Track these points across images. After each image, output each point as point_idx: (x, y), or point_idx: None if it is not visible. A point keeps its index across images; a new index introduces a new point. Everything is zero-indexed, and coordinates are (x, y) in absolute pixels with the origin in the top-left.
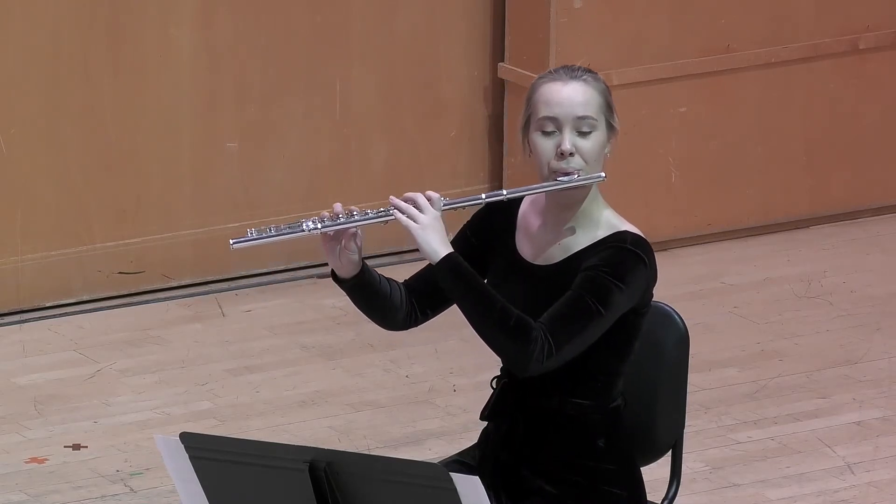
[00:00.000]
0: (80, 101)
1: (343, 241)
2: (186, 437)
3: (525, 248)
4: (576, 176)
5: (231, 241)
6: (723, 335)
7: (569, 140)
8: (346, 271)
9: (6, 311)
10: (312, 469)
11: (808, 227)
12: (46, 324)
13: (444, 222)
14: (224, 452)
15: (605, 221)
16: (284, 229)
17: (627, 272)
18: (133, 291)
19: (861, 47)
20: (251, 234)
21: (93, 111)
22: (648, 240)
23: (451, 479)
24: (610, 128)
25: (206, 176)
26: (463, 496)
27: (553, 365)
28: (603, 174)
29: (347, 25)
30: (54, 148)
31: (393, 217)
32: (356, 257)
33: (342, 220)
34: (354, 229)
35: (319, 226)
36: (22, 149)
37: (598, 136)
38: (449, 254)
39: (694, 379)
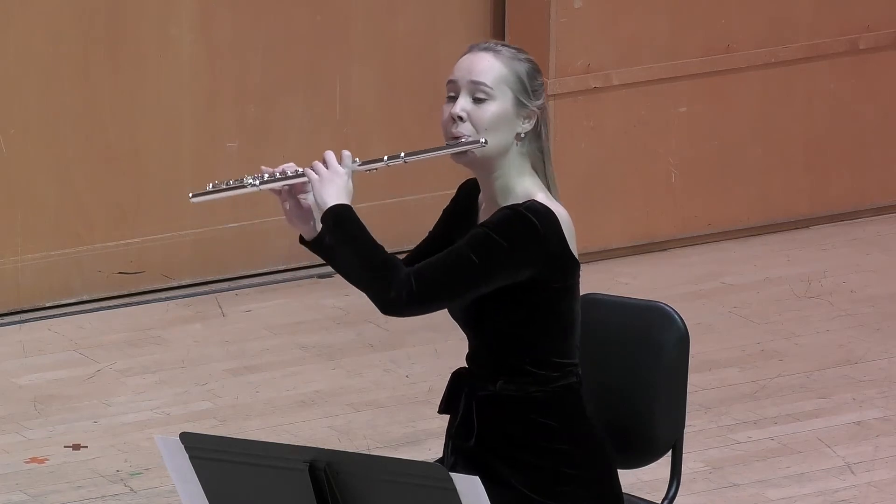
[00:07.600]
0: (80, 101)
1: (287, 198)
2: (186, 437)
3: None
4: (462, 140)
5: (190, 195)
6: (723, 335)
7: (460, 104)
8: (306, 232)
9: (6, 311)
10: (312, 469)
11: (808, 227)
12: (46, 324)
13: (352, 181)
14: (224, 452)
15: (522, 193)
16: (234, 184)
17: (512, 231)
18: (133, 291)
19: (861, 47)
20: (209, 188)
21: (93, 111)
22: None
23: (451, 479)
24: (519, 104)
25: (206, 176)
26: (463, 496)
27: (416, 305)
28: (483, 140)
29: (347, 25)
30: (54, 148)
31: (305, 176)
32: (304, 213)
33: (278, 175)
34: (288, 187)
35: (258, 182)
36: (22, 149)
37: (494, 107)
38: (336, 204)
39: (694, 379)
